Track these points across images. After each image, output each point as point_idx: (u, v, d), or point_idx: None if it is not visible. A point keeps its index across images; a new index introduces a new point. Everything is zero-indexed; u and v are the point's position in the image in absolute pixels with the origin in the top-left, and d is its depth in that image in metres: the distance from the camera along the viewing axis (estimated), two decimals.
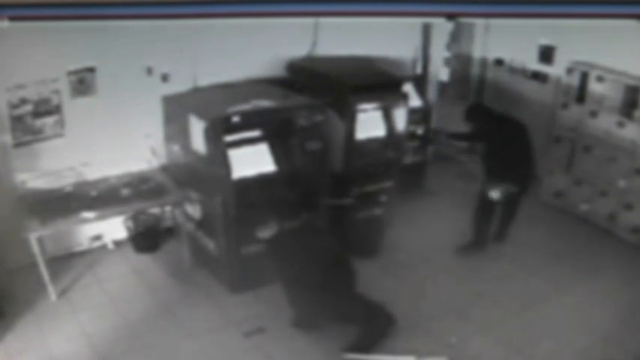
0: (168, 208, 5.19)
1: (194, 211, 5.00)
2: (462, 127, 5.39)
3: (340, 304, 4.11)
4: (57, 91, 4.77)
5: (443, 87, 7.09)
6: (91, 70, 4.85)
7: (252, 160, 4.56)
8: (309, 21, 5.39)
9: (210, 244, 4.89)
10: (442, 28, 6.71)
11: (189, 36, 4.95)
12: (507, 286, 4.92)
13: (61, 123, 4.86)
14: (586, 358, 4.18)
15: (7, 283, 4.63)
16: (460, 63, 7.21)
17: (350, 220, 5.22)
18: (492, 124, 5.19)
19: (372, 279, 4.68)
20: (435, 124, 6.37)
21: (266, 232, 4.60)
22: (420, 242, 5.47)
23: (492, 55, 6.87)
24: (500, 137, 5.11)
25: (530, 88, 6.51)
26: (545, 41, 6.23)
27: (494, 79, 6.97)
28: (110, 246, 5.31)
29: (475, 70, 7.11)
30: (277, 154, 4.66)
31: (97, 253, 5.23)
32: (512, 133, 5.17)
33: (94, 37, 4.60)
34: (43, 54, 4.55)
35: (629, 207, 5.57)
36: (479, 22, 6.68)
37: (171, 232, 5.32)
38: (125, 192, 4.85)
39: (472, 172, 6.08)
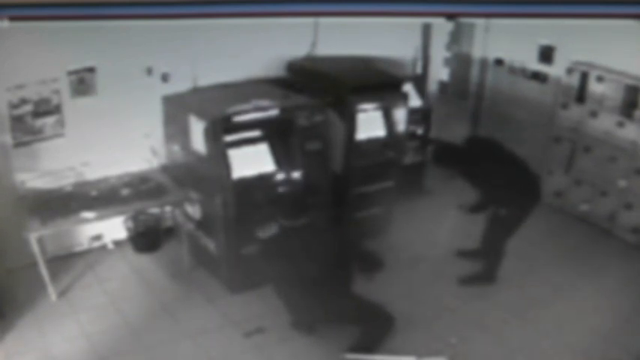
0: (168, 208, 5.19)
1: (194, 211, 5.00)
2: (461, 127, 5.37)
3: (338, 305, 4.10)
4: (57, 91, 4.77)
5: (443, 87, 7.09)
6: (91, 70, 4.85)
7: (252, 160, 4.56)
8: (309, 21, 5.39)
9: (210, 244, 4.89)
10: (442, 28, 6.71)
11: (189, 36, 4.95)
12: (507, 286, 4.92)
13: (61, 123, 4.86)
14: (586, 358, 4.18)
15: (7, 283, 4.63)
16: (460, 63, 7.21)
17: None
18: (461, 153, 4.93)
19: (372, 278, 4.67)
20: (434, 125, 6.37)
21: (266, 233, 4.61)
22: (420, 242, 5.47)
23: (492, 55, 6.87)
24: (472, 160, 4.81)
25: (530, 88, 6.51)
26: (545, 41, 6.22)
27: (494, 79, 6.97)
28: (110, 246, 5.31)
29: (475, 70, 7.11)
30: (277, 154, 4.66)
31: (97, 253, 5.23)
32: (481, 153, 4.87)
33: (94, 37, 4.60)
34: (43, 54, 4.55)
35: (629, 207, 5.57)
36: (479, 22, 6.68)
37: (171, 232, 5.33)
38: (125, 192, 4.86)
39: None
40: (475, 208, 4.96)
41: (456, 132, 6.93)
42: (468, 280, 4.92)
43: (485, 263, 4.98)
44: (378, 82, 5.37)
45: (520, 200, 4.84)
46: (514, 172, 4.82)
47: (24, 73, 4.58)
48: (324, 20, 5.17)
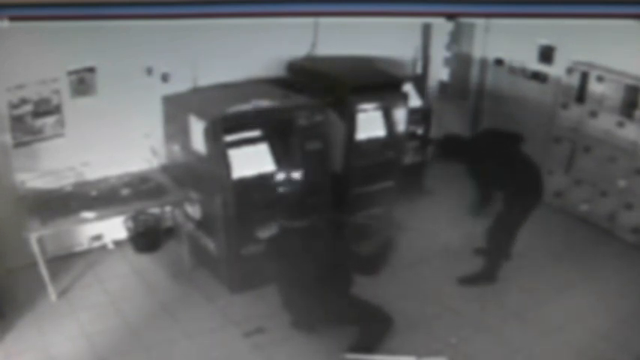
0: (168, 208, 5.19)
1: (194, 211, 5.00)
2: (461, 127, 5.37)
3: (337, 307, 4.10)
4: (57, 91, 4.77)
5: (443, 87, 7.09)
6: (91, 70, 4.85)
7: (252, 160, 4.56)
8: (309, 21, 5.39)
9: (210, 244, 4.89)
10: (442, 28, 6.71)
11: (189, 36, 4.95)
12: (507, 286, 4.92)
13: (61, 123, 4.87)
14: (586, 358, 4.18)
15: (7, 283, 4.63)
16: (460, 63, 7.21)
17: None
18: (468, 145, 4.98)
19: (372, 279, 4.66)
20: (434, 125, 6.37)
21: (266, 233, 4.61)
22: (420, 242, 5.47)
23: (492, 55, 6.87)
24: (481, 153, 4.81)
25: (530, 88, 6.51)
26: (545, 41, 6.22)
27: (494, 79, 6.97)
28: (110, 246, 5.31)
29: (475, 70, 7.11)
30: (277, 154, 4.66)
31: (97, 253, 5.23)
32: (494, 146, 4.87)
33: (94, 37, 4.60)
34: (43, 54, 4.55)
35: (629, 207, 5.57)
36: (479, 22, 6.68)
37: (171, 232, 5.33)
38: (125, 192, 4.86)
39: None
40: (479, 208, 4.94)
41: (455, 132, 6.92)
42: (468, 280, 4.92)
43: (486, 263, 4.98)
44: (378, 82, 5.37)
45: (524, 195, 4.83)
46: (520, 166, 4.82)
47: (24, 73, 4.58)
48: (324, 20, 5.17)
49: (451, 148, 4.99)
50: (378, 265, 4.14)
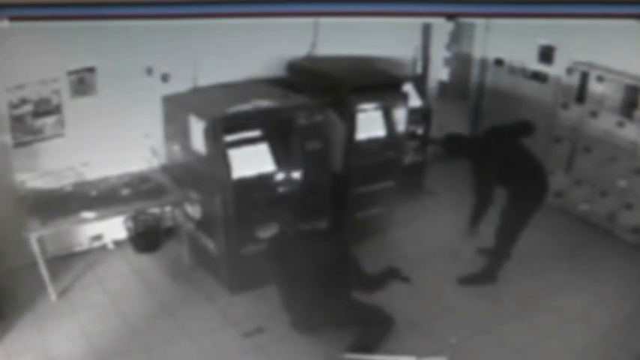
0: (168, 208, 5.19)
1: (194, 211, 5.00)
2: (461, 127, 5.36)
3: (338, 309, 4.09)
4: (57, 91, 4.77)
5: (443, 87, 7.10)
6: (91, 70, 4.85)
7: (252, 160, 4.56)
8: (309, 21, 5.39)
9: (210, 244, 4.89)
10: (442, 28, 6.71)
11: (189, 36, 4.95)
12: (507, 286, 4.92)
13: (61, 123, 4.86)
14: (586, 358, 4.18)
15: (7, 283, 4.63)
16: (460, 63, 7.21)
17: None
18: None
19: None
20: (434, 125, 6.37)
21: (266, 233, 4.61)
22: (420, 242, 5.47)
23: (492, 55, 6.88)
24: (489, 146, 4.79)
25: (530, 88, 6.52)
26: (545, 41, 6.23)
27: (494, 79, 6.97)
28: (110, 246, 5.31)
29: (475, 70, 7.11)
30: (277, 154, 4.66)
31: (97, 253, 5.23)
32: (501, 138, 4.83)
33: (94, 37, 4.60)
34: (43, 54, 4.55)
35: (629, 207, 5.57)
36: (479, 22, 6.69)
37: (171, 232, 5.33)
38: (125, 192, 4.86)
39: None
40: (474, 219, 4.90)
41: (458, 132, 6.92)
42: (468, 280, 4.92)
43: (487, 263, 4.98)
44: (378, 82, 5.37)
45: (530, 193, 4.81)
46: (525, 163, 4.80)
47: (24, 73, 4.58)
48: (324, 20, 5.17)
49: (455, 147, 4.99)
50: (379, 287, 4.13)
